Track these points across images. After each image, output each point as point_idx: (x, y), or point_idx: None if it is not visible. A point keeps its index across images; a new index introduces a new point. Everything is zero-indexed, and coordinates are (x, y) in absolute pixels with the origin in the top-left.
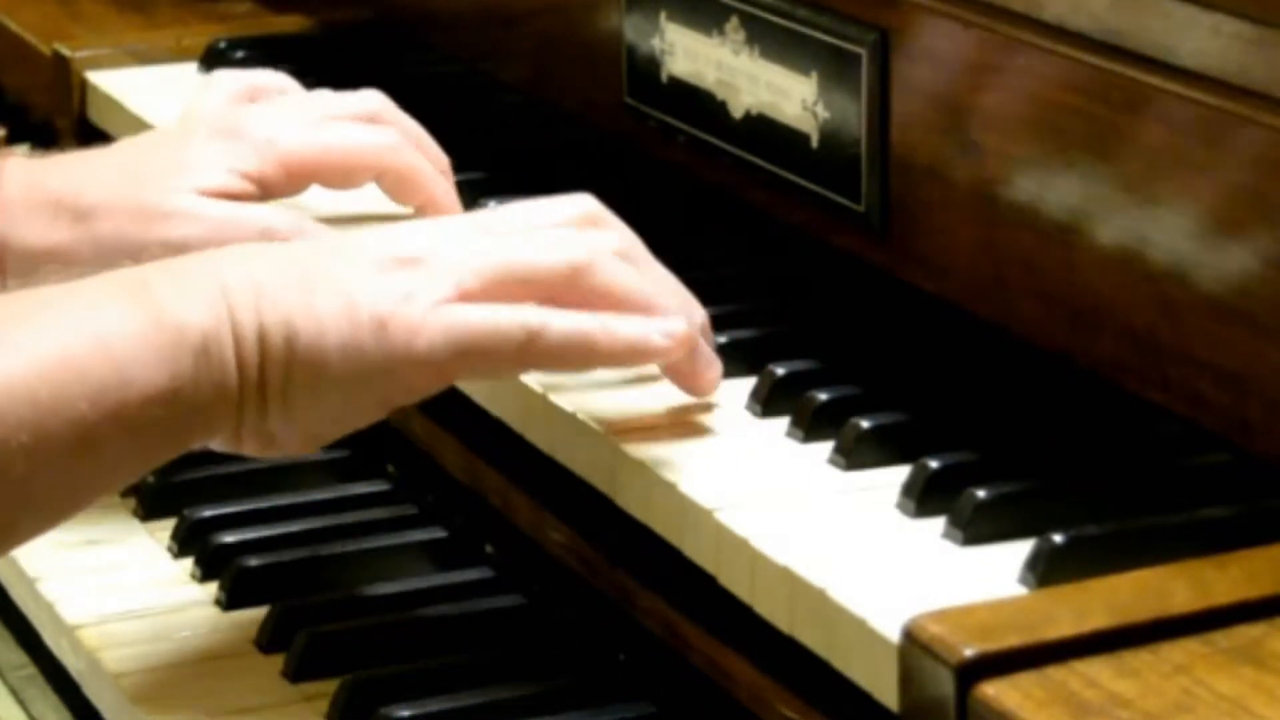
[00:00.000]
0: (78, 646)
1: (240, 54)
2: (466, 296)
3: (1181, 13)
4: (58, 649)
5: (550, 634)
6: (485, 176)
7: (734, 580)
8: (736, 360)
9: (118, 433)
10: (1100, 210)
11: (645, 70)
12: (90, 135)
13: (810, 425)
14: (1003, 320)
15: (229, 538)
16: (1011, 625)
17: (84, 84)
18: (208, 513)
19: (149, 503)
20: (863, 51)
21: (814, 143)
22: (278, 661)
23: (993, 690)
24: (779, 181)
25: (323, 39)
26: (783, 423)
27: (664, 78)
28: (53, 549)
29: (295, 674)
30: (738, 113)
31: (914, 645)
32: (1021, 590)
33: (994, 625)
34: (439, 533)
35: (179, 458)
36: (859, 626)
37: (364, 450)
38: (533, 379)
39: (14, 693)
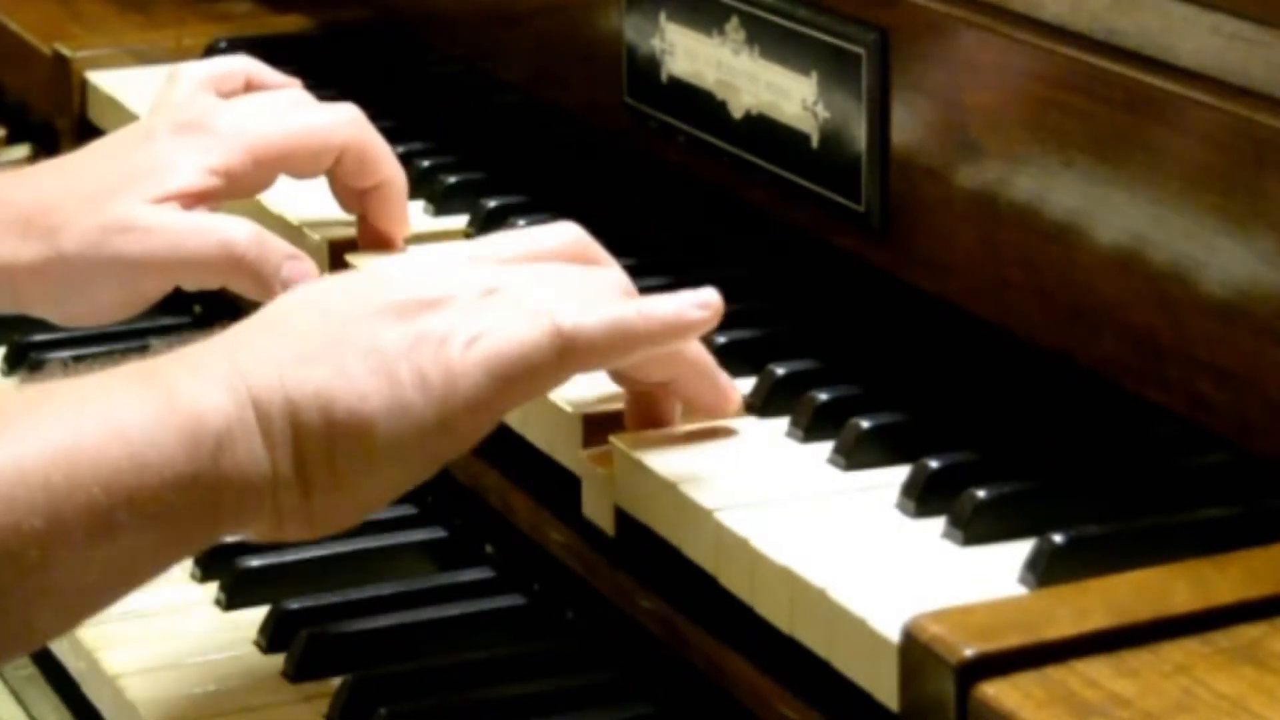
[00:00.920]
0: (78, 646)
1: (240, 54)
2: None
3: (1181, 12)
4: (58, 649)
5: (550, 634)
6: (485, 177)
7: (734, 580)
8: (736, 360)
9: (135, 519)
10: (1100, 210)
11: (645, 70)
12: (90, 135)
13: (810, 425)
14: (1003, 320)
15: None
16: (1011, 625)
17: (84, 84)
18: None
19: None
20: (863, 51)
21: (814, 143)
22: (278, 661)
23: (993, 690)
24: (779, 181)
25: (323, 39)
26: (783, 423)
27: (664, 78)
28: None
29: (295, 674)
30: (738, 113)
31: (914, 645)
32: (1021, 590)
33: (994, 625)
34: (439, 533)
35: None
36: (859, 626)
37: None
38: None
39: (14, 693)
